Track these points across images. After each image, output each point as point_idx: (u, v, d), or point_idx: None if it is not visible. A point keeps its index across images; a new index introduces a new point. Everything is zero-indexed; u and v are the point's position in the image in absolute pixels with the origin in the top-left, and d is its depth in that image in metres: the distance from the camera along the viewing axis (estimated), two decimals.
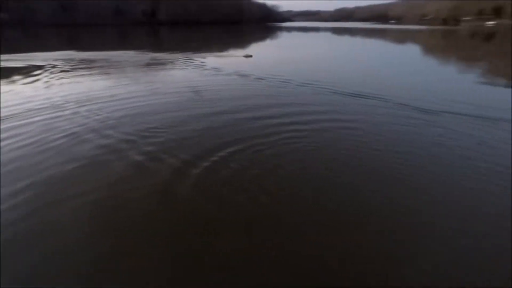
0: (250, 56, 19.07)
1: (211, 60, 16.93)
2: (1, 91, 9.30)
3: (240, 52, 22.02)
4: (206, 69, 13.77)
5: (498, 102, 8.45)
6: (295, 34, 56.94)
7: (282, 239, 3.10)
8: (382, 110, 7.59)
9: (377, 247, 3.04)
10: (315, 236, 3.16)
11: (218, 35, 47.54)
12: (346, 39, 43.39)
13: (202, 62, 15.84)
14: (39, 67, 13.95)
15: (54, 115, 6.97)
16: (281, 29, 77.98)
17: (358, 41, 39.97)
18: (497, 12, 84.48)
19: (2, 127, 6.13)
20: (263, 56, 19.97)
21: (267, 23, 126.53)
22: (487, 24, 79.38)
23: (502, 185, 4.11)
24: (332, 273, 2.71)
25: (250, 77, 11.97)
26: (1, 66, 14.32)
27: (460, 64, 18.25)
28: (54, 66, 14.35)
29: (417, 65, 16.83)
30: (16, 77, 11.75)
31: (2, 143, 5.32)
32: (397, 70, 15.14)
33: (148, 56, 19.24)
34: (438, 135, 5.88)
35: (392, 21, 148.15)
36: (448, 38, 42.60)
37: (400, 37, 44.18)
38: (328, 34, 54.75)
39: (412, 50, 28.01)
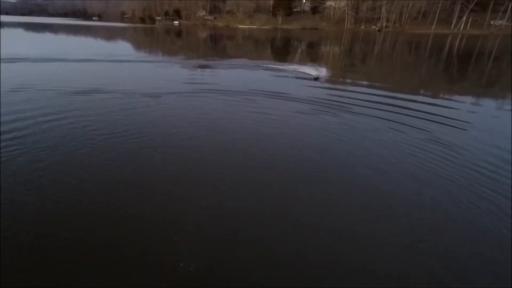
0: (317, 78, 13.04)
1: None
2: None
3: None
4: None
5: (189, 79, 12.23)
6: None
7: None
8: (112, 100, 8.77)
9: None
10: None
11: None
12: (50, 37, 37.85)
13: None
14: None
15: None
16: None
17: (66, 39, 36.37)
18: (178, 14, 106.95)
19: None
20: None
21: None
22: (176, 23, 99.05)
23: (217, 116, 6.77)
24: None
25: None
26: None
27: (166, 56, 22.55)
28: None
29: (132, 59, 18.90)
30: None
31: None
32: (116, 64, 16.36)
33: None
34: (164, 109, 8.05)
35: (95, 18, 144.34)
36: (150, 35, 49.02)
37: (109, 34, 45.11)
38: (21, 31, 44.85)
39: (125, 47, 30.04)
